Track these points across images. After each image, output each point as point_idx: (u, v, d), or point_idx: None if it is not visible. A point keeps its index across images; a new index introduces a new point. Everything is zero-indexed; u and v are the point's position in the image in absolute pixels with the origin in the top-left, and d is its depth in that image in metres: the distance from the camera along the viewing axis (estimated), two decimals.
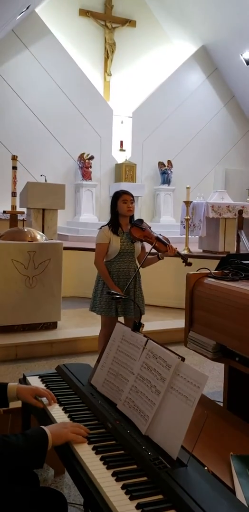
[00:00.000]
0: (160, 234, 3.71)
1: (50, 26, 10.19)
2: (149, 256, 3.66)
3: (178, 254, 3.66)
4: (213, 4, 9.88)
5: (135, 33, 11.25)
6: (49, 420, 1.67)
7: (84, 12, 10.71)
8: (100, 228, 3.71)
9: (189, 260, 3.74)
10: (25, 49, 9.94)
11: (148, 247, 3.72)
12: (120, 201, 3.62)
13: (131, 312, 3.61)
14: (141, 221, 3.74)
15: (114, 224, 3.64)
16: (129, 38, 11.18)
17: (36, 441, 1.43)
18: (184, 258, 3.69)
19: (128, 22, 11.12)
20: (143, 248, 3.76)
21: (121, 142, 10.96)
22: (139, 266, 3.68)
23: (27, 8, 8.93)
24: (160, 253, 3.62)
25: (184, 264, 3.68)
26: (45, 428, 1.47)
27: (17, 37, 9.84)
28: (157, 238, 3.62)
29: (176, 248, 3.64)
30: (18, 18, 9.05)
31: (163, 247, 3.60)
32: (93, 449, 1.45)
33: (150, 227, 3.72)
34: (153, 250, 3.61)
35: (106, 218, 10.56)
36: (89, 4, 10.74)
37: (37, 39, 10.02)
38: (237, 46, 10.54)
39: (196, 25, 10.94)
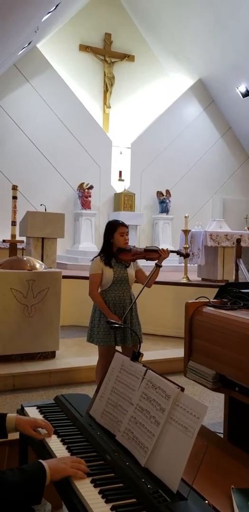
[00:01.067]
0: (146, 246, 3.79)
1: (51, 60, 10.48)
2: (148, 273, 3.69)
3: (172, 252, 3.80)
4: (209, 39, 10.21)
5: (133, 67, 11.57)
6: (47, 452, 1.64)
7: (84, 47, 11.04)
8: (93, 259, 3.72)
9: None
10: (26, 82, 10.20)
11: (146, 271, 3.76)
12: (117, 234, 3.63)
13: (128, 340, 3.59)
14: None
15: (107, 254, 3.65)
16: (127, 72, 11.49)
17: (33, 476, 1.40)
18: (179, 252, 3.79)
19: (126, 56, 11.45)
20: (139, 270, 3.76)
21: (120, 172, 11.12)
22: (142, 287, 3.68)
23: (29, 43, 9.21)
24: (157, 261, 3.64)
25: (183, 257, 3.77)
26: (43, 462, 1.44)
27: (19, 71, 10.11)
28: (145, 250, 3.70)
29: (167, 248, 3.70)
30: (20, 53, 9.32)
31: (154, 254, 3.67)
32: (92, 481, 1.42)
33: (134, 246, 3.77)
34: (150, 263, 3.66)
35: None
36: (89, 39, 11.09)
37: (38, 73, 10.29)
38: (233, 80, 10.83)
39: (193, 59, 11.27)
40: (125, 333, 3.59)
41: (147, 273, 3.68)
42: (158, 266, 3.62)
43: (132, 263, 3.69)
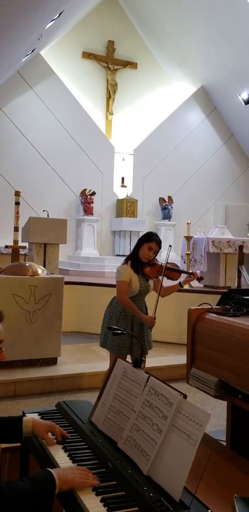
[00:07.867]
0: (167, 263, 3.73)
1: (54, 67, 10.54)
2: (169, 284, 3.71)
3: (198, 279, 3.82)
4: (211, 47, 10.26)
5: (136, 74, 11.62)
6: (49, 459, 1.63)
7: (87, 55, 11.11)
8: (120, 266, 3.64)
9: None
10: (30, 89, 10.25)
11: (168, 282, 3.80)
12: (146, 245, 3.56)
13: (146, 348, 3.62)
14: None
15: (135, 262, 3.58)
16: (130, 79, 11.55)
17: (43, 485, 1.39)
18: (199, 278, 3.84)
19: (129, 64, 11.51)
20: (157, 280, 3.72)
21: (122, 179, 11.14)
22: (157, 297, 3.66)
23: (33, 51, 9.27)
24: (181, 281, 3.66)
25: (198, 281, 3.85)
26: (52, 471, 1.43)
27: (22, 78, 10.17)
28: (169, 269, 3.68)
29: (196, 272, 3.81)
30: (23, 60, 9.38)
31: (176, 274, 3.70)
32: (93, 489, 1.41)
33: (156, 260, 3.74)
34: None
35: (107, 252, 10.72)
36: (92, 47, 11.16)
37: (42, 80, 10.35)
38: (235, 87, 10.86)
39: (195, 66, 11.32)
40: (143, 341, 3.59)
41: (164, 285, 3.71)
42: (181, 286, 3.70)
43: None
